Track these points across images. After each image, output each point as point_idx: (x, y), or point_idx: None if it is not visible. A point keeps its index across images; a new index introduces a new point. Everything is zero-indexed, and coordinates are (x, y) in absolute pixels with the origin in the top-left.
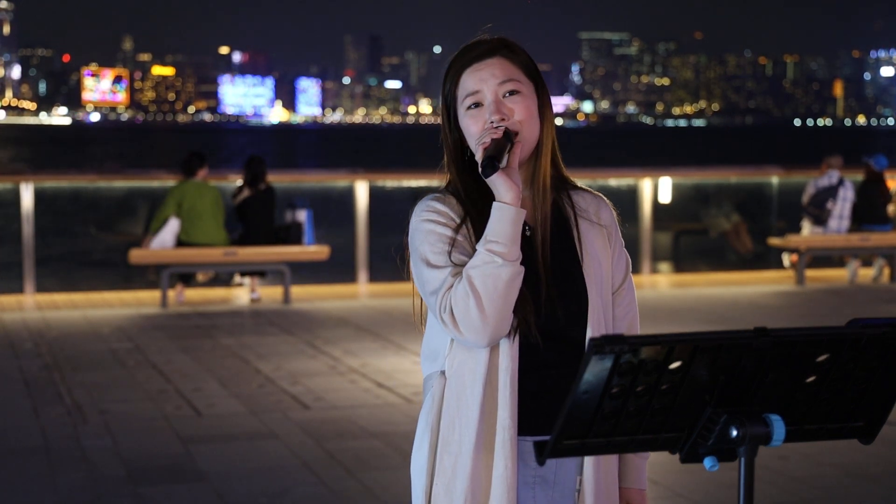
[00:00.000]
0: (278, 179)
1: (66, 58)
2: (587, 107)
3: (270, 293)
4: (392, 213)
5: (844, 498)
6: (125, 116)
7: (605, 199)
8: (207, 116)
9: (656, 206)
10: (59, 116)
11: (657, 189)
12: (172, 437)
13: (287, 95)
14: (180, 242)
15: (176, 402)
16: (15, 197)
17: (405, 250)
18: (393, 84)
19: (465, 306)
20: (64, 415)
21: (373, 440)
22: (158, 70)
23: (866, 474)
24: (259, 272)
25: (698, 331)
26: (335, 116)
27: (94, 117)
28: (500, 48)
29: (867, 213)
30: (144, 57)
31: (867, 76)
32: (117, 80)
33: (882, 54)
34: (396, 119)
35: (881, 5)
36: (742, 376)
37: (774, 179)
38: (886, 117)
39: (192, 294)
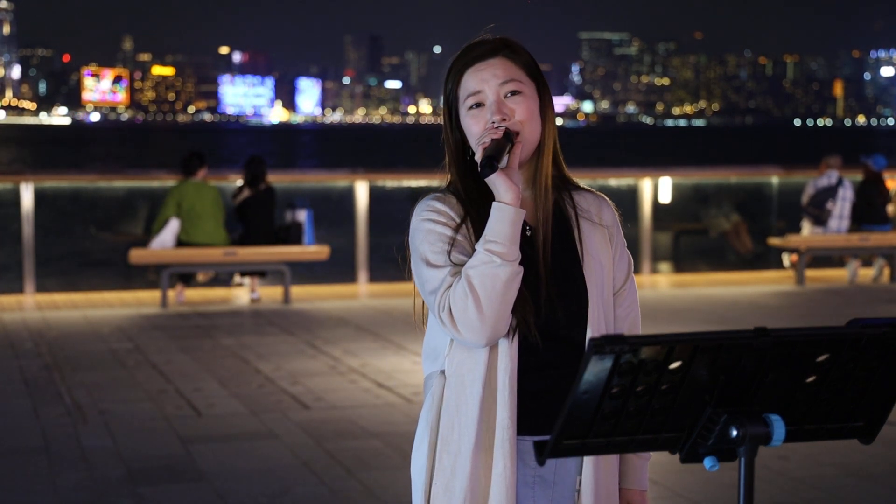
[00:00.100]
0: (278, 179)
1: (66, 58)
2: (587, 107)
3: (270, 293)
4: (392, 213)
5: (844, 498)
6: (125, 116)
7: (607, 199)
8: (207, 116)
9: (656, 206)
10: (59, 116)
11: (657, 189)
12: (172, 437)
13: (287, 95)
14: (180, 242)
15: (176, 402)
16: (15, 197)
17: (406, 250)
18: (393, 84)
19: (463, 306)
20: (64, 415)
21: (373, 440)
22: (158, 70)
23: (866, 474)
24: (259, 272)
25: (698, 331)
26: (335, 116)
27: (94, 117)
28: (502, 48)
29: (867, 213)
30: (144, 57)
31: (867, 76)
32: (117, 80)
33: (882, 54)
34: (396, 119)
35: (881, 5)
36: (742, 376)
37: (774, 179)
38: (886, 117)
39: (192, 294)
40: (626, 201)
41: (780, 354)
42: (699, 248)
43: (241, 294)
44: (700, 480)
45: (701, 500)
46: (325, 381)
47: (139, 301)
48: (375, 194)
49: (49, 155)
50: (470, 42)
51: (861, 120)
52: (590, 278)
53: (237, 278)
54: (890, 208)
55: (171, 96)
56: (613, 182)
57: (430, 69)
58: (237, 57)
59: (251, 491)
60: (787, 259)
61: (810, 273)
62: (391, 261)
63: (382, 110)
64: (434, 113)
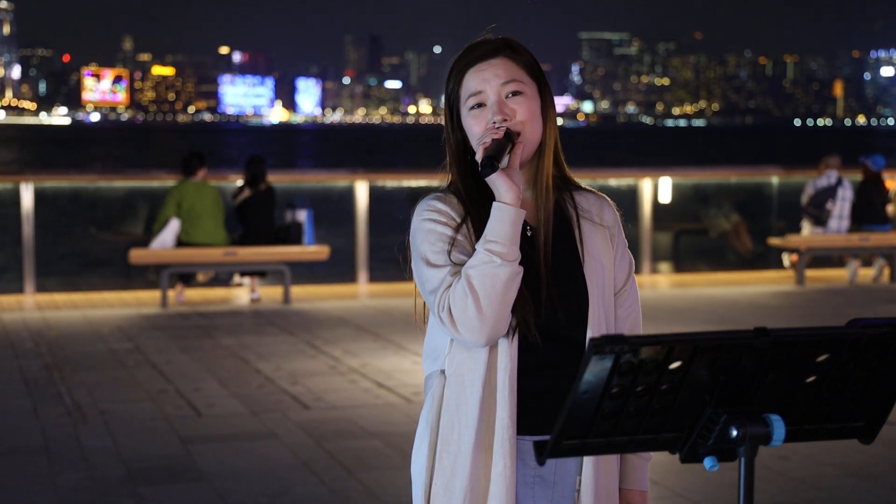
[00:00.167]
0: (278, 179)
1: (66, 58)
2: (587, 107)
3: (270, 293)
4: (392, 213)
5: (844, 498)
6: (125, 116)
7: (609, 199)
8: (207, 116)
9: (656, 206)
10: (59, 116)
11: (657, 189)
12: (172, 437)
13: (287, 95)
14: (180, 242)
15: (176, 402)
16: (15, 197)
17: (407, 250)
18: (393, 84)
19: (463, 305)
20: (64, 415)
21: (373, 440)
22: (158, 70)
23: (866, 474)
24: (259, 272)
25: (698, 331)
26: (335, 116)
27: (94, 117)
28: (504, 48)
29: (866, 213)
30: (144, 57)
31: (867, 76)
32: (117, 80)
33: (882, 54)
34: (396, 119)
35: (881, 5)
36: (742, 376)
37: (774, 179)
38: (886, 117)
39: (192, 294)
40: (626, 201)
41: (780, 354)
42: (699, 248)
43: (241, 294)
44: (700, 480)
45: (701, 500)
46: (325, 381)
47: (139, 301)
48: (375, 194)
49: (49, 155)
50: (471, 42)
51: (861, 120)
52: (590, 278)
53: (236, 278)
54: (890, 208)
55: (171, 96)
56: (613, 182)
57: (430, 69)
58: (237, 57)
59: (251, 491)
60: (787, 259)
61: (810, 273)
62: (391, 261)
63: (382, 110)
64: (434, 113)
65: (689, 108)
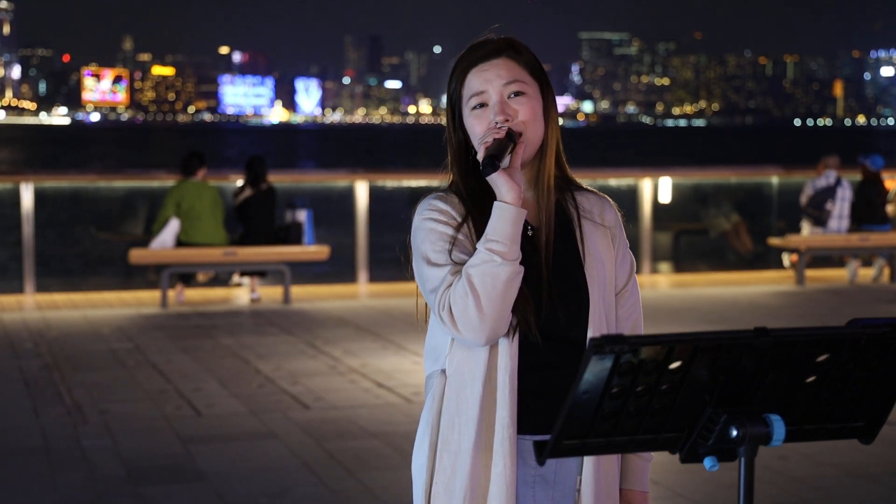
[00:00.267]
0: (278, 179)
1: (66, 58)
2: (587, 107)
3: (270, 293)
4: (392, 213)
5: (844, 498)
6: (125, 116)
7: (610, 200)
8: (207, 116)
9: (656, 206)
10: (59, 116)
11: (657, 189)
12: (172, 437)
13: (287, 95)
14: (180, 243)
15: (176, 402)
16: (15, 197)
17: (408, 249)
18: (393, 84)
19: (463, 305)
20: (64, 415)
21: (373, 440)
22: (158, 70)
23: (866, 474)
24: (259, 272)
25: (698, 331)
26: (335, 116)
27: (95, 117)
28: (506, 48)
29: (866, 213)
30: (144, 57)
31: (867, 76)
32: (117, 80)
33: (882, 54)
34: (396, 119)
35: (881, 5)
36: (742, 376)
37: (774, 179)
38: (886, 117)
39: (192, 294)
40: (626, 201)
41: (780, 354)
42: (699, 248)
43: (241, 294)
44: (700, 480)
45: (701, 500)
46: (325, 381)
47: (139, 301)
48: (375, 194)
49: (49, 155)
50: (474, 42)
51: (861, 120)
52: (591, 279)
53: (236, 278)
54: (889, 208)
55: (171, 96)
56: (613, 182)
57: (430, 69)
58: (237, 57)
59: (251, 491)
60: (787, 259)
61: (810, 273)
62: (391, 261)
63: (382, 110)
64: (434, 113)
65: (689, 108)
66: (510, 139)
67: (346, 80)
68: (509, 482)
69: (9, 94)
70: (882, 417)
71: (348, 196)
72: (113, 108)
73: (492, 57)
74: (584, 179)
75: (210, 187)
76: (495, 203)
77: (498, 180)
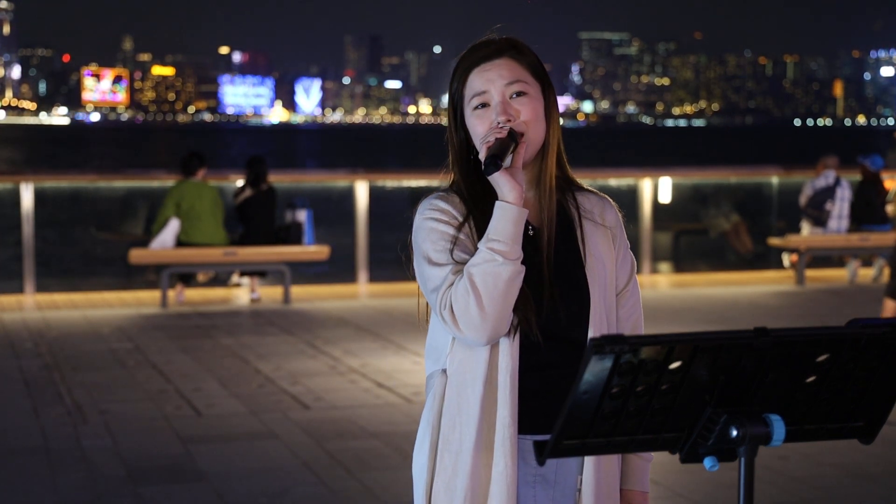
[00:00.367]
0: (278, 179)
1: (66, 58)
2: (587, 107)
3: (270, 293)
4: (392, 213)
5: (844, 498)
6: (125, 116)
7: (611, 200)
8: (207, 116)
9: (656, 206)
10: (59, 116)
11: (657, 189)
12: (172, 437)
13: (287, 95)
14: (180, 243)
15: (176, 402)
16: (15, 197)
17: (409, 249)
18: (393, 84)
19: (465, 304)
20: (64, 415)
21: (373, 440)
22: (158, 70)
23: (866, 474)
24: (259, 272)
25: (698, 331)
26: (335, 116)
27: (95, 117)
28: (508, 49)
29: (866, 213)
30: (144, 57)
31: (867, 76)
32: (117, 80)
33: (882, 54)
34: (396, 119)
35: (881, 5)
36: (742, 376)
37: (774, 179)
38: (886, 117)
39: (192, 294)
40: (626, 201)
41: (780, 354)
42: (699, 248)
43: (241, 294)
44: (700, 480)
45: (701, 500)
46: (325, 381)
47: (139, 301)
48: (375, 194)
49: (49, 155)
50: (476, 42)
51: (861, 120)
52: (592, 279)
53: (235, 278)
54: (889, 208)
55: (171, 96)
56: (613, 182)
57: (430, 69)
58: (237, 57)
59: (251, 491)
60: (787, 259)
61: (810, 273)
62: (391, 261)
63: (382, 110)
64: (434, 113)
65: (689, 108)
66: (512, 139)
67: (346, 80)
68: (510, 482)
69: (9, 94)
70: (882, 417)
71: (348, 196)
72: (113, 108)
73: (494, 57)
74: (584, 179)
75: (210, 187)
76: (497, 203)
77: (500, 180)
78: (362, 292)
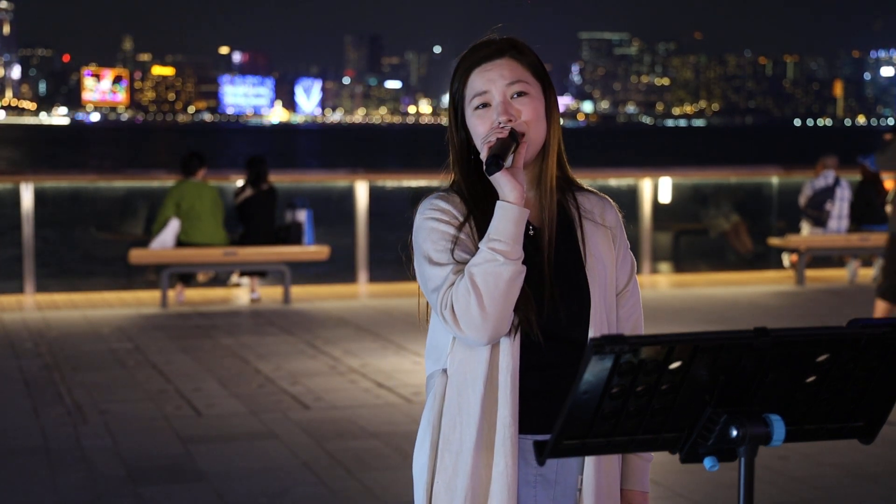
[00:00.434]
0: (278, 179)
1: (66, 58)
2: (587, 107)
3: (270, 293)
4: (392, 213)
5: (844, 498)
6: (125, 116)
7: (611, 200)
8: (207, 116)
9: (656, 206)
10: (59, 116)
11: (657, 189)
12: (172, 437)
13: (287, 95)
14: (180, 243)
15: (176, 402)
16: (15, 197)
17: (410, 249)
18: (393, 84)
19: (466, 303)
20: (64, 415)
21: (373, 440)
22: (158, 70)
23: (866, 474)
24: (259, 272)
25: (698, 331)
26: (335, 116)
27: (94, 117)
28: (509, 49)
29: (866, 213)
30: (144, 57)
31: (867, 76)
32: (117, 80)
33: (882, 54)
34: (396, 119)
35: (881, 5)
36: (742, 376)
37: (774, 179)
38: (886, 117)
39: (192, 294)
40: (626, 201)
41: (780, 354)
42: (699, 248)
43: (241, 294)
44: (700, 480)
45: (701, 500)
46: (325, 381)
47: (139, 301)
48: (375, 194)
49: (49, 155)
50: (476, 42)
51: (861, 120)
52: (592, 279)
53: (234, 278)
54: (888, 209)
55: (171, 96)
56: (613, 182)
57: (430, 69)
58: (237, 57)
59: (251, 491)
60: (787, 259)
61: (810, 273)
62: (391, 261)
63: (382, 110)
64: (434, 113)
65: (689, 108)
66: (513, 139)
67: (346, 80)
68: (511, 482)
69: (9, 94)
70: (882, 417)
71: (348, 196)
72: (113, 108)
73: (495, 57)
74: (584, 179)
75: (210, 187)
76: (498, 202)
77: (501, 180)
78: (362, 292)
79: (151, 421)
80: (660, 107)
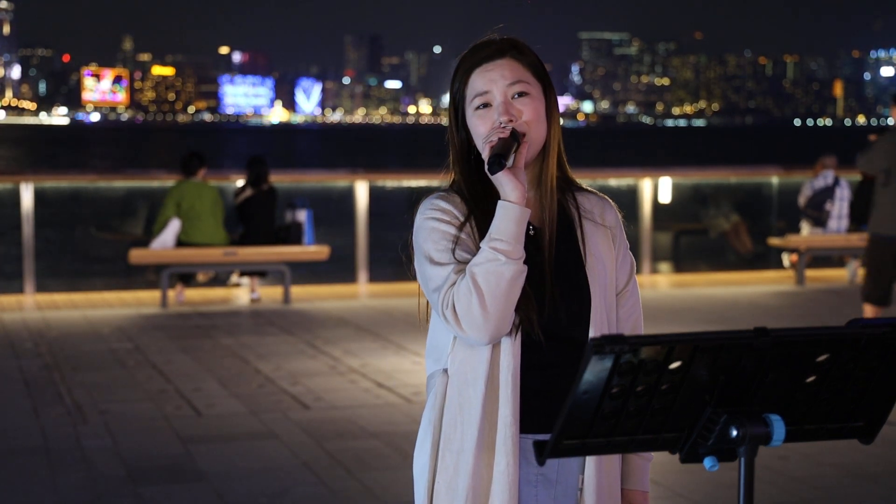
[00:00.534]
0: (278, 179)
1: (66, 58)
2: (587, 107)
3: (270, 293)
4: (392, 213)
5: (844, 498)
6: (125, 116)
7: (610, 200)
8: (207, 116)
9: (656, 206)
10: (59, 116)
11: (657, 189)
12: (172, 437)
13: (287, 95)
14: (180, 243)
15: (176, 402)
16: (15, 197)
17: (410, 249)
18: (393, 84)
19: (467, 303)
20: (64, 415)
21: (373, 440)
22: (158, 70)
23: (866, 474)
24: (259, 272)
25: (698, 331)
26: (335, 116)
27: (94, 117)
28: (510, 49)
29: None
30: (144, 57)
31: (867, 76)
32: (117, 80)
33: (882, 54)
34: (396, 119)
35: (881, 5)
36: (742, 376)
37: (774, 179)
38: (886, 117)
39: (192, 294)
40: (626, 201)
41: (780, 354)
42: (699, 248)
43: (241, 294)
44: (700, 480)
45: (701, 500)
46: (325, 381)
47: (139, 301)
48: (375, 194)
49: (49, 155)
50: (477, 42)
51: (861, 120)
52: (592, 278)
53: (234, 278)
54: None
55: (171, 96)
56: (613, 182)
57: (430, 69)
58: (237, 57)
59: (251, 491)
60: (787, 259)
61: (810, 273)
62: (391, 261)
63: (382, 110)
64: (434, 113)
65: (689, 108)
66: (514, 139)
67: (346, 80)
68: (512, 481)
69: (9, 94)
70: (882, 417)
71: (348, 196)
72: (113, 108)
73: (495, 57)
74: (584, 179)
75: (210, 187)
76: (499, 202)
77: (503, 179)
78: (362, 292)
79: (151, 421)
80: (660, 107)
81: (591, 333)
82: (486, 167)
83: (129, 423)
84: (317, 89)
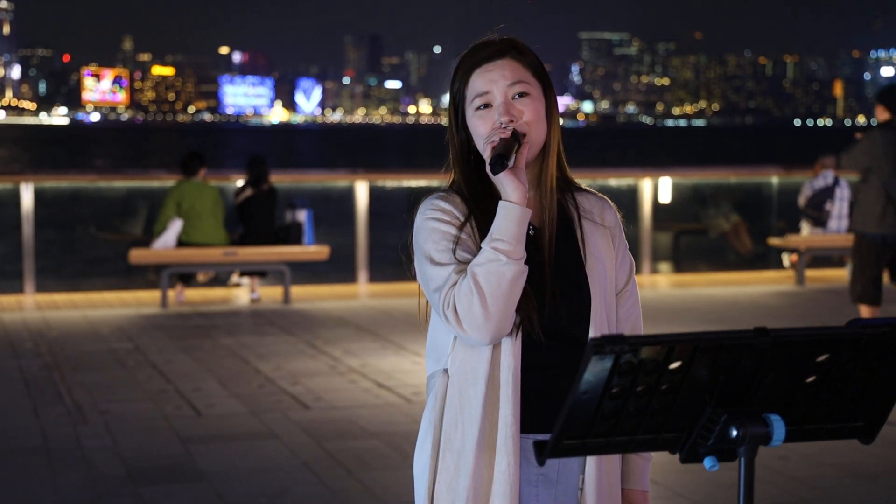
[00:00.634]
0: (278, 179)
1: (66, 58)
2: (587, 107)
3: (270, 293)
4: (392, 213)
5: (844, 498)
6: (125, 116)
7: (609, 201)
8: (207, 116)
9: (656, 206)
10: (59, 116)
11: (657, 189)
12: (172, 437)
13: (287, 95)
14: (180, 242)
15: (176, 402)
16: (15, 197)
17: (410, 249)
18: (393, 84)
19: (468, 303)
20: (64, 415)
21: (373, 440)
22: (158, 70)
23: (866, 474)
24: (259, 272)
25: (698, 331)
26: (335, 116)
27: (94, 117)
28: (510, 49)
29: None
30: (144, 57)
31: (867, 76)
32: (117, 80)
33: (882, 54)
34: (396, 119)
35: (881, 5)
36: (742, 376)
37: (774, 179)
38: None
39: (192, 294)
40: (626, 201)
41: (780, 354)
42: (699, 248)
43: (241, 294)
44: (700, 480)
45: (701, 500)
46: (325, 381)
47: (139, 301)
48: (375, 194)
49: (49, 155)
50: (476, 42)
51: (861, 120)
52: (592, 278)
53: (234, 278)
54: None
55: (171, 96)
56: (613, 182)
57: (430, 69)
58: (237, 57)
59: (251, 491)
60: (787, 259)
61: (810, 273)
62: (391, 261)
63: (382, 110)
64: (434, 113)
65: (689, 108)
66: (515, 139)
67: (346, 80)
68: (513, 481)
69: (9, 94)
70: (882, 417)
71: (348, 196)
72: (113, 108)
73: (496, 58)
74: (584, 179)
75: (210, 187)
76: (501, 202)
77: (504, 180)
78: (362, 292)
79: (151, 421)
80: (660, 107)
81: (592, 333)
82: (487, 167)
83: (129, 423)
84: (317, 89)
